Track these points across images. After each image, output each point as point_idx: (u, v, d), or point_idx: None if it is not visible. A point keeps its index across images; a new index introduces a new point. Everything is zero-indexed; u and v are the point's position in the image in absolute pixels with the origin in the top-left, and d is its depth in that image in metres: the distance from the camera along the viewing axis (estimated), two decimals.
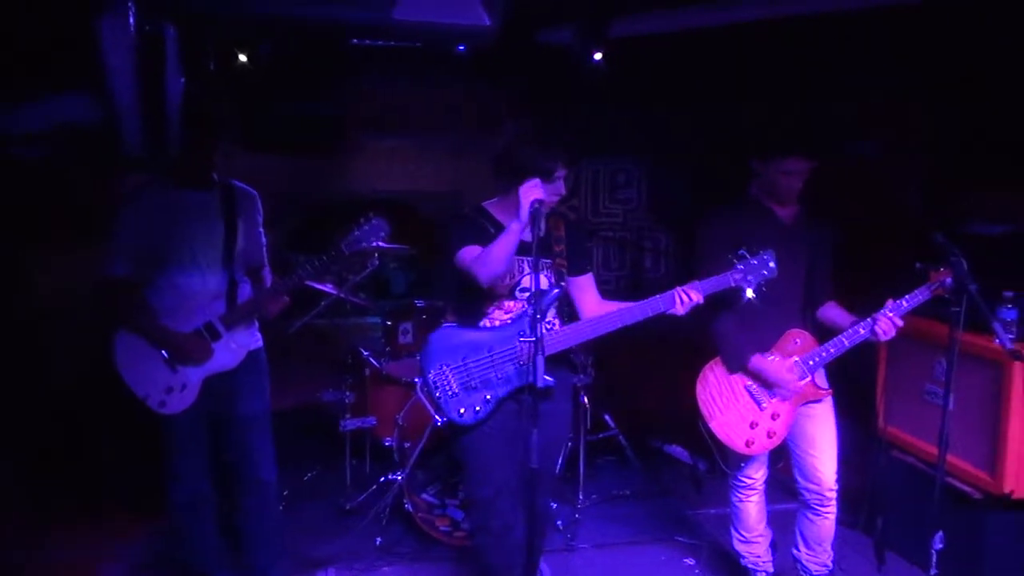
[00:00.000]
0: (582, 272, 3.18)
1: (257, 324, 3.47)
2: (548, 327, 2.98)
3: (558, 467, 4.21)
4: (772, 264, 3.01)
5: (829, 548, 3.51)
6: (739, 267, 3.00)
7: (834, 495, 3.42)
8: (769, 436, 3.34)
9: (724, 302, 3.21)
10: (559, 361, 3.12)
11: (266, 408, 3.47)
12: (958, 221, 3.81)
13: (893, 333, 3.19)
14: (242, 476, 3.45)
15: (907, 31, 4.11)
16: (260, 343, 3.47)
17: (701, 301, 2.95)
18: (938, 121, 4.26)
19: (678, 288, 2.94)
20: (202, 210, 3.29)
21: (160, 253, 3.21)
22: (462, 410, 2.96)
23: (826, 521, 3.46)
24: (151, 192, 3.23)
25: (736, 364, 3.36)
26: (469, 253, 2.93)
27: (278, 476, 3.53)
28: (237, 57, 4.63)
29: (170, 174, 3.24)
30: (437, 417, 3.94)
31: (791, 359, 3.32)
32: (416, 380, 4.28)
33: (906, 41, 4.21)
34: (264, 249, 3.55)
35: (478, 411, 2.96)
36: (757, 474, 3.54)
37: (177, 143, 2.93)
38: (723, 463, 3.57)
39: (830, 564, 3.54)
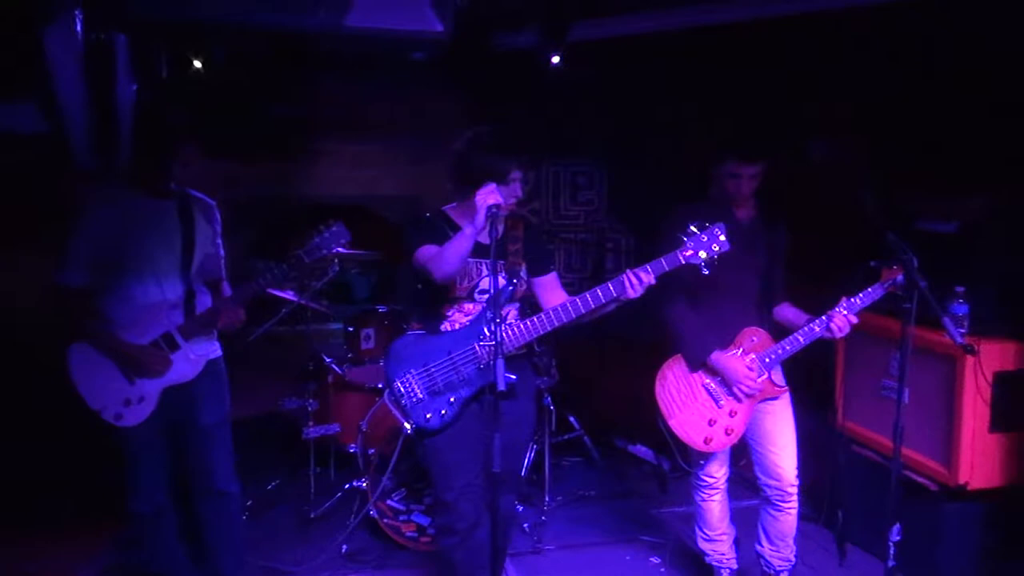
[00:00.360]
0: (545, 272, 3.19)
1: (216, 333, 3.43)
2: (507, 325, 2.98)
3: (523, 469, 4.22)
4: (723, 237, 2.94)
5: (791, 543, 3.54)
6: (689, 243, 2.94)
7: (795, 490, 3.45)
8: (727, 433, 3.37)
9: (675, 284, 3.20)
10: (522, 361, 3.13)
11: (226, 417, 3.43)
12: (911, 220, 3.88)
13: (848, 330, 3.24)
14: (203, 487, 3.41)
15: (861, 34, 4.18)
16: (219, 352, 3.42)
17: (653, 281, 2.91)
18: (889, 123, 4.34)
19: (628, 271, 2.91)
20: (160, 219, 3.23)
21: (117, 263, 3.16)
22: (428, 415, 2.97)
23: (788, 516, 3.49)
24: (107, 201, 3.17)
25: (696, 359, 3.39)
26: (426, 252, 2.95)
27: (240, 486, 3.49)
28: (191, 63, 4.59)
29: (127, 182, 3.20)
30: (406, 425, 3.94)
31: (749, 356, 3.37)
32: (381, 386, 4.26)
33: (859, 44, 4.29)
34: (222, 262, 3.50)
35: (444, 415, 2.97)
36: (718, 473, 3.57)
37: (129, 151, 2.89)
38: (684, 461, 3.60)
39: (793, 559, 3.58)
